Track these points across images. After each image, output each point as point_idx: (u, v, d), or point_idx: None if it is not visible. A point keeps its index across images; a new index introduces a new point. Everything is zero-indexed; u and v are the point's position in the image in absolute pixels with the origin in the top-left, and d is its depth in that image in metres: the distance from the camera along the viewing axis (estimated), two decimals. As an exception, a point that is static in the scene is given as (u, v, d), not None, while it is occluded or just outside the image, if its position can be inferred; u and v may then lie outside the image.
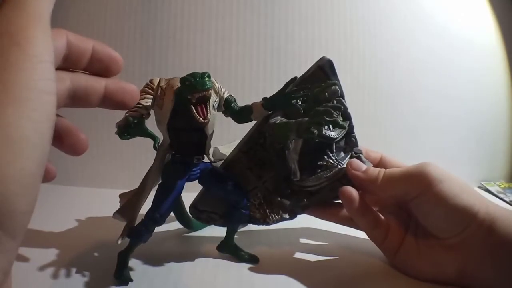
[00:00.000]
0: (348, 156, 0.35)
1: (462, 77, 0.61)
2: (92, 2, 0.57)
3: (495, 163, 0.64)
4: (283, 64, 0.56)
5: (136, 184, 0.33)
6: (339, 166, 0.34)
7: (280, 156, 0.34)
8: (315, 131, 0.29)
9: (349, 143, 0.35)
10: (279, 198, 0.34)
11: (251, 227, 0.40)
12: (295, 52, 0.57)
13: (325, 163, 0.34)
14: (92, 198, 0.53)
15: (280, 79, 0.56)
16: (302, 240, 0.40)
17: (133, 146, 0.56)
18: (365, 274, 0.33)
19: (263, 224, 0.35)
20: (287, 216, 0.35)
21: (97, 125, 0.57)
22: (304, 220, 0.37)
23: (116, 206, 0.33)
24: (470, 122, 0.61)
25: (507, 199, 0.55)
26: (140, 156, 0.56)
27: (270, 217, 0.34)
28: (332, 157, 0.34)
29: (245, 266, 0.34)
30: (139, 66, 0.57)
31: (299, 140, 0.33)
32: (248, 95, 0.54)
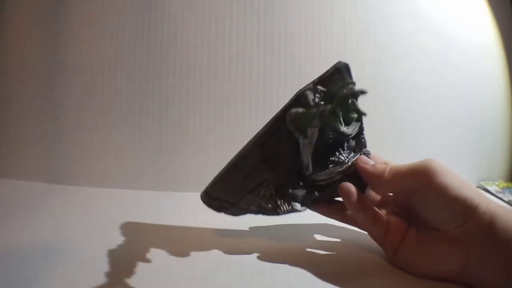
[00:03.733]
0: (358, 156, 0.36)
1: (461, 77, 0.61)
2: (92, 2, 0.58)
3: (494, 163, 0.64)
4: (283, 65, 0.57)
5: (136, 184, 0.33)
6: (349, 163, 0.35)
7: (294, 150, 0.35)
8: (341, 113, 0.31)
9: (359, 144, 0.37)
10: (290, 190, 0.35)
11: (259, 222, 0.40)
12: (295, 53, 0.57)
13: (336, 159, 0.35)
14: (92, 198, 0.53)
15: (280, 80, 0.56)
16: (307, 236, 0.40)
17: (134, 146, 0.57)
18: (371, 269, 0.34)
19: (273, 215, 0.36)
20: (298, 207, 0.36)
21: (97, 125, 0.57)
22: (309, 217, 0.38)
23: (116, 206, 0.33)
24: (469, 122, 0.62)
25: (505, 199, 0.55)
26: (140, 156, 0.56)
27: (281, 208, 0.35)
28: (344, 154, 0.36)
29: (245, 266, 0.34)
30: (139, 66, 0.57)
31: (315, 133, 0.35)
32: (248, 95, 0.55)
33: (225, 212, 0.37)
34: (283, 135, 0.36)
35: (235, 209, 0.37)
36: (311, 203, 0.36)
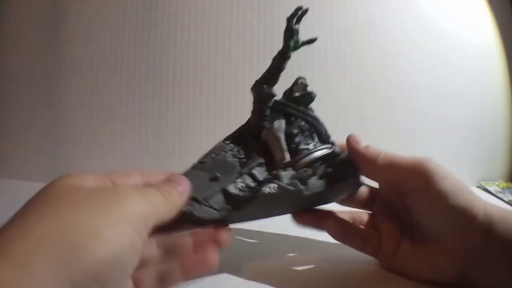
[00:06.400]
0: (328, 146, 0.33)
1: (461, 77, 0.61)
2: (92, 2, 0.58)
3: (494, 163, 0.64)
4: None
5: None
6: (334, 145, 0.33)
7: (262, 145, 0.34)
8: (294, 33, 0.34)
9: (323, 137, 0.34)
10: (275, 171, 0.31)
11: (259, 226, 0.40)
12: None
13: (305, 147, 0.33)
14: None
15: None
16: (302, 243, 0.40)
17: (134, 146, 0.57)
18: (368, 271, 0.33)
19: (253, 200, 0.29)
20: (284, 184, 0.30)
21: (98, 125, 0.57)
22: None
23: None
24: (469, 122, 0.62)
25: (505, 199, 0.55)
26: (140, 156, 0.57)
27: (266, 188, 0.29)
28: (310, 145, 0.33)
29: (244, 264, 0.34)
30: (139, 66, 0.57)
31: (282, 123, 0.33)
32: (248, 95, 0.55)
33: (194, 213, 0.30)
34: (249, 143, 0.34)
35: (204, 208, 0.30)
36: (302, 182, 0.30)
